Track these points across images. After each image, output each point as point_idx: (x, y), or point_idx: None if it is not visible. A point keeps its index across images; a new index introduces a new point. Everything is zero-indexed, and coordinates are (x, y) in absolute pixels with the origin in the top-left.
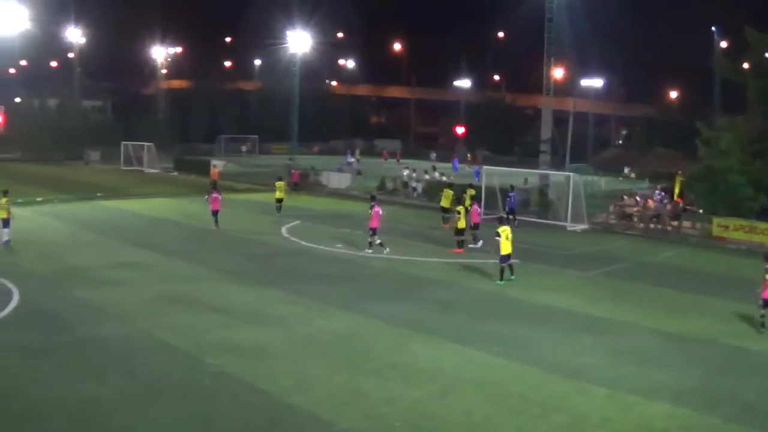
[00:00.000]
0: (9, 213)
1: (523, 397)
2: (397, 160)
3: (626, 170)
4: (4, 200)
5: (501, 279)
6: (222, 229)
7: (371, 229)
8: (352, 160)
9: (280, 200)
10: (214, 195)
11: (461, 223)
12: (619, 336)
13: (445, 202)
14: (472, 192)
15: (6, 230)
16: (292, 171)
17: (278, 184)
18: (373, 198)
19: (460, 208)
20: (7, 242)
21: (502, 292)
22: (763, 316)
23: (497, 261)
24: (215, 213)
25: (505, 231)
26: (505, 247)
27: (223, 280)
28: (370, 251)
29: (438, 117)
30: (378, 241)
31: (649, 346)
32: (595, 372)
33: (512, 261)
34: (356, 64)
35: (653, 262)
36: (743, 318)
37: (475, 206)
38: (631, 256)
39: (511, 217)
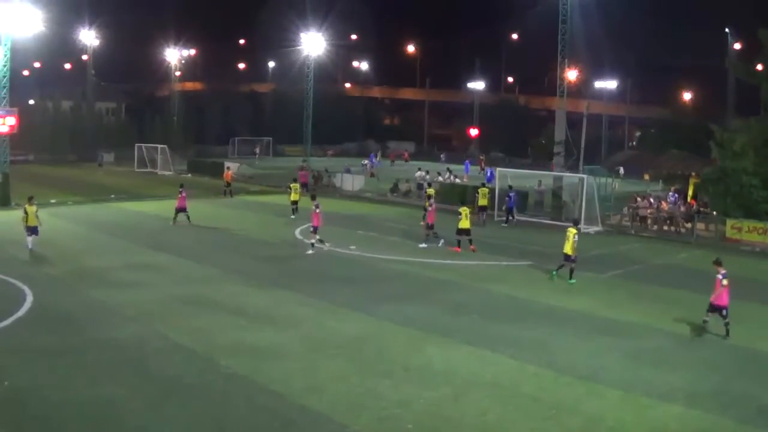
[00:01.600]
0: (39, 220)
1: (537, 399)
2: (392, 161)
3: (621, 171)
4: (33, 208)
5: (570, 277)
6: (192, 223)
7: (313, 227)
8: (366, 162)
9: (295, 202)
10: (183, 194)
11: (463, 223)
12: (633, 338)
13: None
14: (485, 191)
15: (32, 237)
16: (300, 172)
17: (293, 185)
18: (313, 198)
19: (463, 209)
20: (31, 249)
21: (516, 295)
22: (705, 321)
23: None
24: (181, 210)
25: (570, 232)
26: (565, 247)
27: (237, 282)
28: (311, 251)
29: (451, 119)
30: (318, 238)
31: (664, 348)
32: (610, 374)
33: (527, 263)
34: (370, 66)
35: (667, 264)
36: (758, 320)
37: (434, 205)
38: (645, 258)
39: (510, 217)
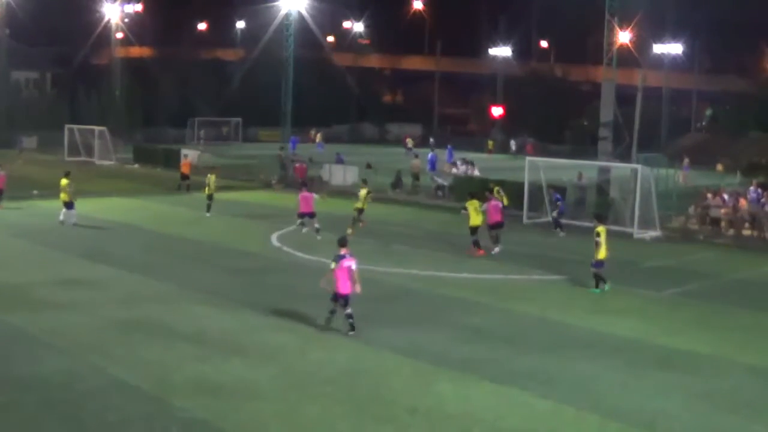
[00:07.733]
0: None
1: None
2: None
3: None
4: (65, 182)
5: (597, 287)
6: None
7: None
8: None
9: (209, 197)
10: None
11: (475, 220)
12: (703, 374)
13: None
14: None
15: (71, 212)
16: (296, 165)
17: (210, 177)
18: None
19: (470, 203)
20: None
21: (550, 317)
22: (332, 311)
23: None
24: None
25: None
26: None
27: (197, 302)
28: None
29: (469, 95)
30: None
31: (744, 387)
32: (673, 421)
33: (563, 277)
34: (366, 28)
35: (747, 279)
36: None
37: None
38: (718, 271)
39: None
